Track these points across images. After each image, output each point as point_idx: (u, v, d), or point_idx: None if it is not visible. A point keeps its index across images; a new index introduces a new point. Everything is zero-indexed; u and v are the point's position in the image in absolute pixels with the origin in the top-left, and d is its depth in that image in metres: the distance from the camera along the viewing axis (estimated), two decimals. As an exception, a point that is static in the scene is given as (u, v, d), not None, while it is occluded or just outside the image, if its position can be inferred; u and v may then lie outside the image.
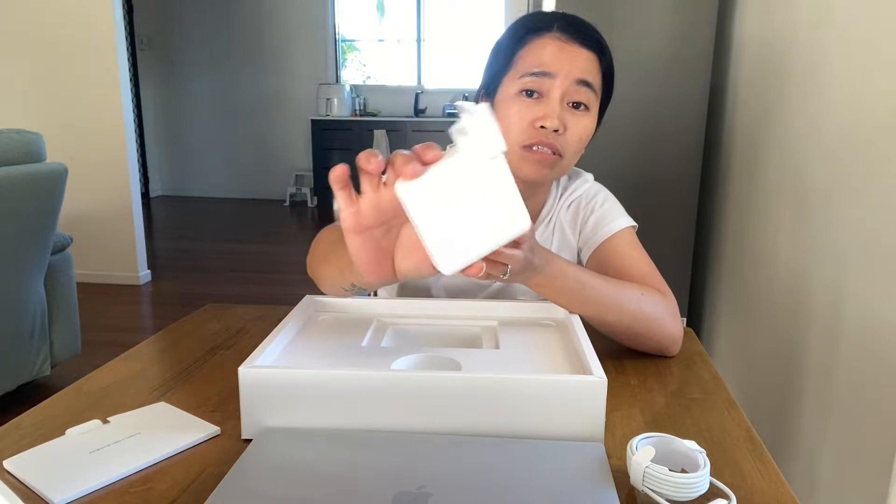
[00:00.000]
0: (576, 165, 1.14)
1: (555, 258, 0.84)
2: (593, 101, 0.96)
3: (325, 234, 0.93)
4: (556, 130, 0.92)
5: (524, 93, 0.94)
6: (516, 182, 0.56)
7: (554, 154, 0.94)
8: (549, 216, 1.10)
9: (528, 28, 0.97)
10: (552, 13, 0.99)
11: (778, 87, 1.82)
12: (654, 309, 0.91)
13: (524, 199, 0.56)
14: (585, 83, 0.93)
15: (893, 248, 1.20)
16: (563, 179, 1.13)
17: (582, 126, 0.95)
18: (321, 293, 0.94)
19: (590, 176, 1.13)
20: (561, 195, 1.11)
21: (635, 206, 2.26)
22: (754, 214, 1.96)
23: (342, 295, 0.89)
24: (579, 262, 1.10)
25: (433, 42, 6.79)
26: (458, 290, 1.10)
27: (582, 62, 0.94)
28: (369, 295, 1.32)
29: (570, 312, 0.88)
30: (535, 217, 1.10)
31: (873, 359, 1.26)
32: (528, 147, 0.94)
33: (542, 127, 0.92)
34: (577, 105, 0.94)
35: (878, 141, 1.27)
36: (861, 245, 1.32)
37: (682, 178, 2.29)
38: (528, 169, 0.95)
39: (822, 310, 1.48)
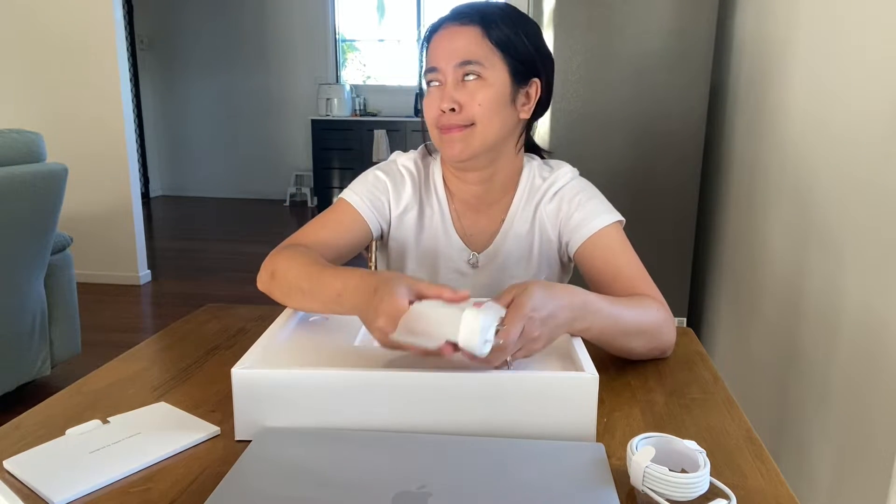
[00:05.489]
0: (568, 161, 1.14)
1: (584, 294, 0.82)
2: (484, 70, 1.00)
3: (296, 260, 0.94)
4: (452, 109, 1.00)
5: (430, 85, 1.04)
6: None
7: (462, 127, 1.01)
8: (526, 207, 1.10)
9: (430, 29, 1.06)
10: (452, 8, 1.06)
11: (778, 86, 1.82)
12: (663, 324, 0.93)
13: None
14: (466, 62, 1.00)
15: (893, 248, 1.20)
16: (537, 168, 1.12)
17: (480, 95, 1.00)
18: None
19: (572, 169, 1.13)
20: (539, 186, 1.11)
21: (635, 205, 2.28)
22: (754, 214, 1.96)
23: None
24: (566, 256, 1.10)
25: (433, 42, 6.78)
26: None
27: (460, 44, 1.00)
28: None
29: (609, 349, 0.90)
30: (507, 207, 1.11)
31: (873, 359, 1.25)
32: (441, 129, 1.03)
33: (443, 111, 1.01)
34: (468, 77, 1.01)
35: (878, 140, 1.27)
36: (861, 244, 1.32)
37: (682, 177, 2.29)
38: (448, 149, 1.03)
39: (822, 310, 1.48)
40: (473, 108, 1.00)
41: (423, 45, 1.08)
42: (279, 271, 0.95)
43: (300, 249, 0.98)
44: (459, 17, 1.02)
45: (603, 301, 0.85)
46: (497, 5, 1.04)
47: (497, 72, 1.01)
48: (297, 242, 1.02)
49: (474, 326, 0.67)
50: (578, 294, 0.81)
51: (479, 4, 1.03)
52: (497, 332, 0.69)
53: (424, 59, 1.06)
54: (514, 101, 1.03)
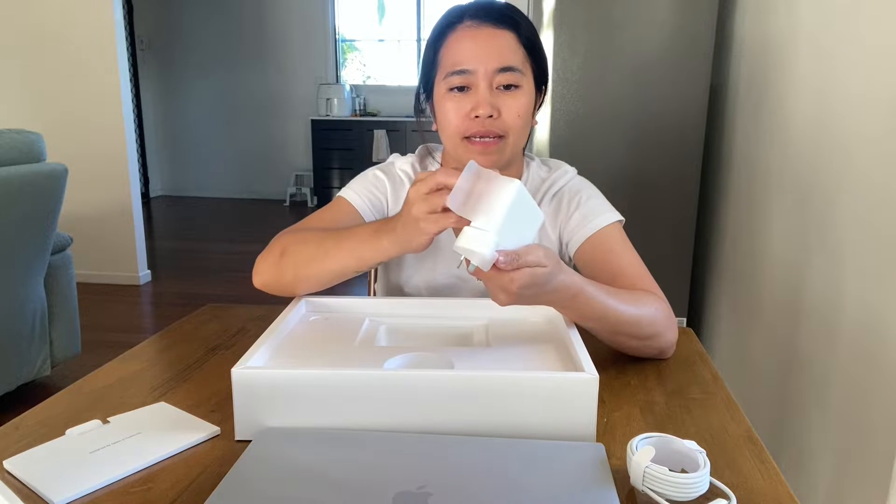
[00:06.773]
0: (566, 161, 1.14)
1: (580, 287, 0.81)
2: (522, 79, 0.97)
3: (308, 233, 0.94)
4: (490, 116, 0.95)
5: (454, 90, 0.97)
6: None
7: (496, 138, 0.97)
8: None
9: (443, 24, 1.00)
10: (465, 4, 1.01)
11: (778, 86, 1.82)
12: (660, 320, 0.91)
13: None
14: (507, 69, 0.95)
15: (893, 248, 1.20)
16: (536, 169, 1.12)
17: (518, 104, 0.97)
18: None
19: (571, 169, 1.12)
20: (539, 186, 1.10)
21: (635, 205, 2.28)
22: (754, 214, 1.96)
23: (340, 280, 0.92)
24: (566, 257, 1.09)
25: (433, 42, 6.78)
26: (443, 288, 1.09)
27: (497, 46, 0.95)
28: (369, 294, 1.32)
29: (596, 334, 0.89)
30: None
31: (873, 359, 1.25)
32: (469, 138, 0.97)
33: (477, 116, 0.95)
34: (507, 87, 0.97)
35: (879, 140, 1.27)
36: (861, 245, 1.32)
37: (682, 177, 2.29)
38: (475, 159, 0.97)
39: (822, 310, 1.48)
40: (511, 118, 0.96)
41: (435, 41, 1.00)
42: (291, 246, 0.93)
43: (306, 229, 0.97)
44: (490, 16, 0.97)
45: (598, 291, 0.83)
46: (509, 4, 1.00)
47: (529, 80, 0.98)
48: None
49: (484, 243, 0.68)
50: (576, 284, 0.79)
51: (503, 3, 0.99)
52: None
53: (439, 57, 0.99)
54: (534, 108, 1.02)
